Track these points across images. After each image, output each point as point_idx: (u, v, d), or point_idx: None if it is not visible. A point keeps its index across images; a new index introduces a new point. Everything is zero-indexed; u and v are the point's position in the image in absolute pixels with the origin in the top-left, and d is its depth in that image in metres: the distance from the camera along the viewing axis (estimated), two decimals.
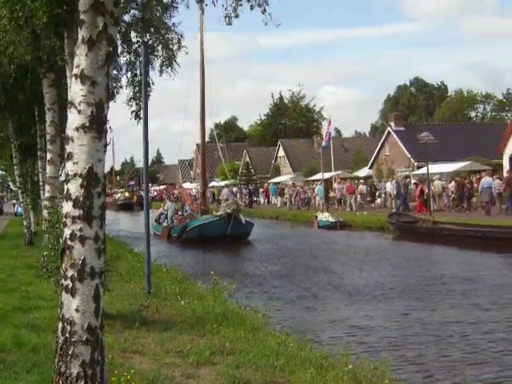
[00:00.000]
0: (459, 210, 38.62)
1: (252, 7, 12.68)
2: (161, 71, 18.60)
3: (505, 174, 42.20)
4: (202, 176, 40.19)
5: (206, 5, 12.36)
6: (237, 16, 11.94)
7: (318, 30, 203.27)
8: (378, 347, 11.20)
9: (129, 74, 18.63)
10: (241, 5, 12.28)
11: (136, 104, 18.59)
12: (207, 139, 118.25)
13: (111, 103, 21.39)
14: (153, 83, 18.76)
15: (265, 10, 12.64)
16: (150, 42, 17.12)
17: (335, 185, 51.16)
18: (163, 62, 18.43)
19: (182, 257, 27.59)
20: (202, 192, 39.71)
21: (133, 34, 17.92)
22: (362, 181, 50.93)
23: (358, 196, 46.44)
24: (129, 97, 18.72)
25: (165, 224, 38.61)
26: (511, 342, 11.44)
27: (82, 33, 5.31)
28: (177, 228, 35.49)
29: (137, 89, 18.46)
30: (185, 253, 29.71)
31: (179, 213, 39.29)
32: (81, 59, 5.30)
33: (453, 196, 40.16)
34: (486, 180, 36.59)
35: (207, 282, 15.78)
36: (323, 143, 52.35)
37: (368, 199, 48.15)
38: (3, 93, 20.64)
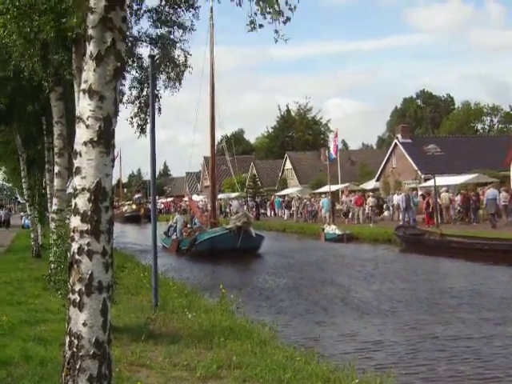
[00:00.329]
0: (465, 222, 38.58)
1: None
2: (165, 86, 18.68)
3: None
4: (212, 188, 39.64)
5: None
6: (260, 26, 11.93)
7: (324, 43, 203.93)
8: (385, 362, 11.14)
9: (134, 91, 18.72)
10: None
11: (141, 119, 18.70)
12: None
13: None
14: (160, 97, 18.85)
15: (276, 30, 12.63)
16: (156, 57, 17.20)
17: (343, 197, 50.99)
18: (169, 77, 18.52)
19: (190, 270, 27.50)
20: (212, 205, 39.20)
21: (139, 49, 18.05)
22: (371, 193, 50.70)
23: (367, 208, 46.16)
24: (133, 113, 18.83)
25: (174, 237, 37.92)
26: None
27: (90, 48, 5.34)
28: (186, 241, 34.84)
29: (142, 104, 18.55)
30: (194, 266, 29.50)
31: (188, 225, 38.56)
32: (89, 74, 5.33)
33: (458, 208, 40.12)
34: (491, 192, 36.72)
35: (216, 295, 15.76)
36: (331, 155, 52.34)
37: (376, 211, 47.94)
38: (13, 105, 20.76)
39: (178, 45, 18.21)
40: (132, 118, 18.80)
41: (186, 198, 79.50)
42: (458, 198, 40.09)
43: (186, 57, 18.52)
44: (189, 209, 45.01)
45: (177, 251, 35.18)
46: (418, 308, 16.29)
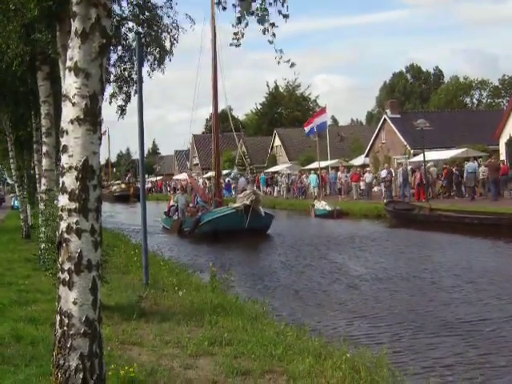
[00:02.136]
0: (448, 196, 38.87)
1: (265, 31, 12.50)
2: (152, 68, 18.34)
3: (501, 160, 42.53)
4: (217, 165, 36.37)
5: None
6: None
7: (310, 18, 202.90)
8: (379, 337, 11.20)
9: (115, 70, 18.39)
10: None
11: (123, 99, 18.40)
12: (203, 130, 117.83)
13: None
14: (149, 75, 18.59)
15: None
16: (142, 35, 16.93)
17: (339, 173, 50.58)
18: (155, 59, 18.19)
19: (196, 252, 26.12)
20: (216, 182, 36.25)
21: (124, 29, 17.75)
22: (367, 169, 50.41)
23: (362, 184, 45.99)
24: (113, 91, 18.53)
25: (175, 217, 35.87)
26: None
27: (74, 25, 5.28)
28: (189, 221, 32.78)
29: (122, 83, 18.25)
30: (198, 248, 27.93)
31: (191, 205, 36.19)
32: (74, 52, 5.28)
33: (441, 183, 40.37)
34: (471, 165, 37.35)
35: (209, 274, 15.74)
36: (307, 129, 50.53)
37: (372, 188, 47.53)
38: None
39: (165, 22, 17.89)
40: (111, 97, 18.44)
41: (183, 176, 78.54)
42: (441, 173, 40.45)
43: (171, 42, 18.18)
44: (190, 187, 42.41)
45: (179, 232, 33.34)
46: (412, 282, 16.39)
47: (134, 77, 16.99)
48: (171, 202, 38.81)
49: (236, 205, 29.94)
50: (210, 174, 72.79)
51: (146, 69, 17.98)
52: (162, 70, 18.26)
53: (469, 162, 38.56)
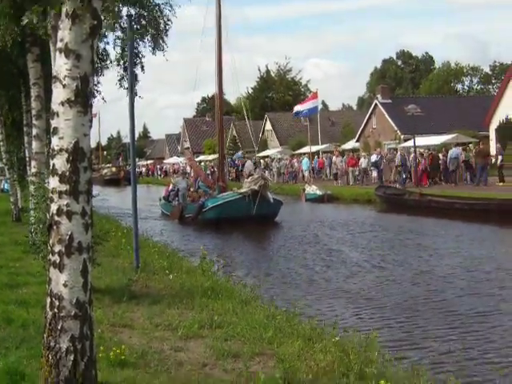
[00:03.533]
0: (433, 182, 39.06)
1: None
2: (153, 48, 18.20)
3: (491, 146, 42.77)
4: (221, 149, 34.18)
5: None
6: None
7: (305, 3, 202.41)
8: (370, 321, 11.27)
9: (117, 50, 18.27)
10: None
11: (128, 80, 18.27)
12: (194, 113, 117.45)
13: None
14: (143, 55, 18.49)
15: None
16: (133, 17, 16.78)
17: (334, 158, 50.13)
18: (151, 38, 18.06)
19: (199, 239, 24.48)
20: (220, 166, 34.04)
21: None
22: (363, 154, 50.11)
23: (357, 170, 45.64)
24: (119, 75, 18.42)
25: (175, 203, 33.47)
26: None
27: (65, 6, 5.26)
28: (191, 207, 30.58)
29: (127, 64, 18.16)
30: (202, 235, 26.20)
31: (191, 189, 33.90)
32: (65, 33, 5.25)
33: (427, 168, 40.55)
34: (454, 151, 37.68)
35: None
36: (296, 109, 50.21)
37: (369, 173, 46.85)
38: None
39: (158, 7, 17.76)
40: (120, 80, 18.34)
41: (181, 159, 77.60)
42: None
43: (165, 23, 18.06)
44: (189, 170, 38.98)
45: (180, 219, 31.09)
46: (403, 265, 16.47)
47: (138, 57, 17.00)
48: (170, 186, 36.63)
49: (243, 190, 28.03)
50: (202, 157, 72.78)
51: (147, 49, 17.98)
52: (162, 49, 18.15)
53: (453, 148, 38.84)
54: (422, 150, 41.25)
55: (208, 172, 44.26)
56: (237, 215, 26.48)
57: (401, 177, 39.96)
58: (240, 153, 71.79)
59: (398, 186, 37.52)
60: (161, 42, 18.04)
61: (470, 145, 42.17)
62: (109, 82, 18.32)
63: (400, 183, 38.97)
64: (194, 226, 28.74)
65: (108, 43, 18.12)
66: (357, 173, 45.63)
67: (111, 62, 18.47)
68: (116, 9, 16.84)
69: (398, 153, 41.90)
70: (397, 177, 41.03)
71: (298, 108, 49.76)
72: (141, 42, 17.81)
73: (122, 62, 18.07)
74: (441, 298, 12.71)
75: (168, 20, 17.67)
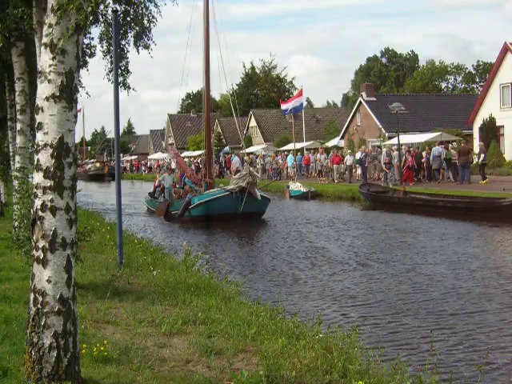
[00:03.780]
0: (417, 180, 39.24)
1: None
2: (137, 45, 18.08)
3: (475, 145, 43.04)
4: (208, 144, 33.35)
5: None
6: None
7: (289, 1, 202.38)
8: (353, 319, 11.30)
9: (104, 45, 18.13)
10: None
11: (122, 75, 18.15)
12: (178, 109, 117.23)
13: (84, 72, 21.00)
14: (127, 51, 18.37)
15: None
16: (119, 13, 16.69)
17: (318, 155, 49.85)
18: (136, 35, 17.94)
19: (183, 235, 24.54)
20: (208, 161, 33.10)
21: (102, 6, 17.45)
22: (349, 151, 49.98)
23: (343, 167, 45.37)
24: (107, 68, 18.29)
25: (161, 199, 33.36)
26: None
27: (51, 1, 5.24)
28: (178, 204, 29.95)
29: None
30: (186, 232, 25.94)
31: (177, 186, 33.37)
32: (50, 28, 5.24)
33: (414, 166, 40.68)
34: (436, 149, 38.02)
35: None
36: (284, 107, 50.14)
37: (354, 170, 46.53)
38: None
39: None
40: (108, 74, 18.22)
41: (165, 155, 77.00)
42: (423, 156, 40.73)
43: (149, 21, 17.95)
44: (177, 164, 38.08)
45: (166, 216, 30.46)
46: (390, 263, 16.52)
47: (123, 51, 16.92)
48: (156, 182, 36.67)
49: (230, 187, 27.57)
50: (186, 153, 72.68)
51: (131, 45, 17.82)
52: (148, 46, 18.04)
53: (435, 146, 39.06)
54: (409, 148, 41.36)
55: (193, 167, 43.99)
56: (224, 212, 26.52)
57: (388, 174, 39.70)
58: (228, 148, 71.96)
59: (386, 184, 37.51)
60: (146, 40, 17.96)
61: (454, 143, 42.37)
62: (94, 77, 18.21)
63: (384, 181, 38.95)
64: (180, 223, 28.45)
65: (93, 38, 17.89)
66: (342, 170, 45.39)
67: (93, 54, 18.30)
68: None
69: (384, 150, 41.79)
70: (382, 174, 40.95)
71: (286, 106, 49.70)
72: (124, 38, 17.69)
73: (108, 56, 17.96)
74: (426, 297, 12.76)
75: (153, 18, 17.58)
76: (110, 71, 18.09)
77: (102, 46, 18.01)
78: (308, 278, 14.97)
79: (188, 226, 27.54)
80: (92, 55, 18.65)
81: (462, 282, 14.01)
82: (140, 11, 17.18)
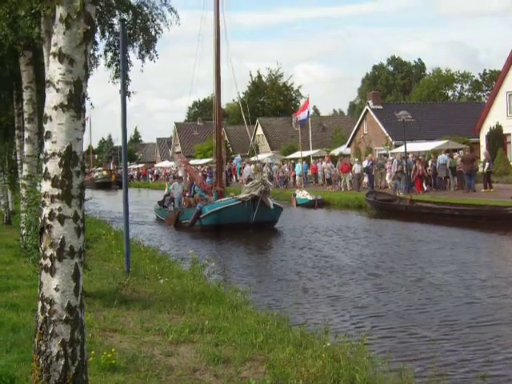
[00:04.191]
0: (426, 189, 39.15)
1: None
2: (142, 56, 18.17)
3: (481, 153, 42.95)
4: (219, 152, 32.63)
5: None
6: None
7: (292, 9, 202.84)
8: (361, 328, 11.25)
9: (109, 54, 18.20)
10: None
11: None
12: (185, 118, 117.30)
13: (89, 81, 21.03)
14: (132, 65, 18.46)
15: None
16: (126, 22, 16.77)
17: (324, 163, 49.62)
18: (142, 46, 18.02)
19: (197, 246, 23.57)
20: (219, 170, 32.49)
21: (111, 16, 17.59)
22: (356, 159, 49.78)
23: (351, 176, 44.88)
24: (113, 75, 18.34)
25: (171, 208, 32.65)
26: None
27: (59, 11, 5.26)
28: (188, 213, 29.49)
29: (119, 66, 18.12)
30: (197, 242, 25.55)
31: (187, 194, 32.97)
32: (58, 37, 5.25)
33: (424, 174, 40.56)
34: (442, 157, 38.06)
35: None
36: (296, 117, 50.15)
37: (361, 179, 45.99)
38: None
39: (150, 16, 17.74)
40: (113, 79, 18.27)
41: (172, 163, 76.53)
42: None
43: (156, 31, 18.03)
44: (185, 174, 37.74)
45: (175, 225, 30.14)
46: (397, 272, 16.47)
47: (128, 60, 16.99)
48: (165, 191, 36.23)
49: (242, 195, 27.01)
50: (193, 162, 72.72)
51: (136, 56, 17.93)
52: (152, 57, 18.14)
53: (441, 154, 38.98)
54: (419, 156, 41.25)
55: (200, 175, 43.87)
56: (236, 221, 26.07)
57: (400, 182, 39.15)
58: (239, 156, 72.00)
59: (395, 192, 37.28)
60: (151, 51, 18.06)
61: (461, 151, 42.25)
62: (100, 86, 18.27)
63: (394, 189, 38.58)
64: (190, 233, 28.04)
65: (97, 50, 17.94)
66: (350, 179, 45.12)
67: (97, 64, 18.37)
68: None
69: (395, 158, 41.31)
70: (392, 182, 40.46)
71: (300, 117, 49.46)
72: (130, 48, 17.77)
73: (114, 64, 18.03)
74: (436, 307, 12.66)
75: (159, 29, 17.68)
76: (116, 77, 18.17)
77: (107, 58, 18.08)
78: (317, 288, 14.90)
79: (198, 235, 27.23)
80: (96, 64, 18.71)
81: (473, 291, 13.89)
82: (146, 22, 17.27)
